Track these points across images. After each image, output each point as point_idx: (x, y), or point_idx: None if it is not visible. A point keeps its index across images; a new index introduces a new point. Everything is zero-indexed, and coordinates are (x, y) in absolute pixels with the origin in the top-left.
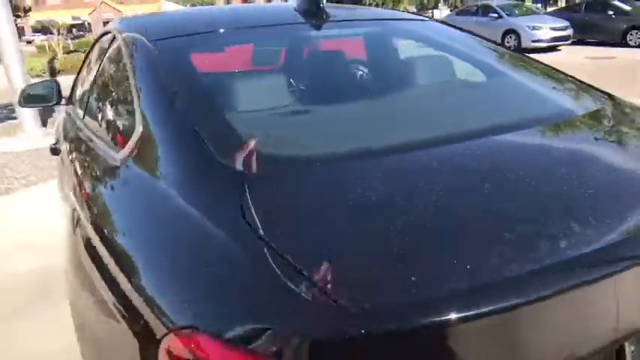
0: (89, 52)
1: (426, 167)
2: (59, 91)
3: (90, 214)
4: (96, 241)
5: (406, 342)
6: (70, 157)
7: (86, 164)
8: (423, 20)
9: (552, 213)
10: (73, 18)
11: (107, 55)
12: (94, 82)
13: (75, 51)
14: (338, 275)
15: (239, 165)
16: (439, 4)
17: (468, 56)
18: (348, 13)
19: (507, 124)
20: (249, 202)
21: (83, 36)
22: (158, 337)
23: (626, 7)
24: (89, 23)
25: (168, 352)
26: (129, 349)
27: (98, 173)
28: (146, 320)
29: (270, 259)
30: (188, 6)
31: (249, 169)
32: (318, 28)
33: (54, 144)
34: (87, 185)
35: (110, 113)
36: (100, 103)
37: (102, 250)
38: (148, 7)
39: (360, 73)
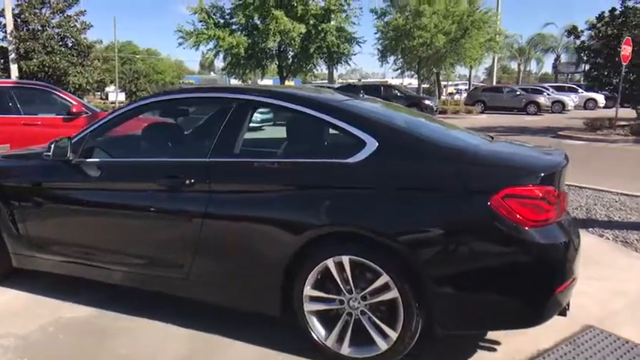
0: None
1: None
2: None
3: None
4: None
5: None
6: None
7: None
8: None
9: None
10: None
11: (245, 115)
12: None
13: None
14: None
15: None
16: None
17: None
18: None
19: None
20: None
21: None
22: (497, 190)
23: (409, 93)
24: None
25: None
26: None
27: (329, 173)
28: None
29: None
30: None
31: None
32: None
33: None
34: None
35: (319, 143)
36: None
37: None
38: None
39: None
